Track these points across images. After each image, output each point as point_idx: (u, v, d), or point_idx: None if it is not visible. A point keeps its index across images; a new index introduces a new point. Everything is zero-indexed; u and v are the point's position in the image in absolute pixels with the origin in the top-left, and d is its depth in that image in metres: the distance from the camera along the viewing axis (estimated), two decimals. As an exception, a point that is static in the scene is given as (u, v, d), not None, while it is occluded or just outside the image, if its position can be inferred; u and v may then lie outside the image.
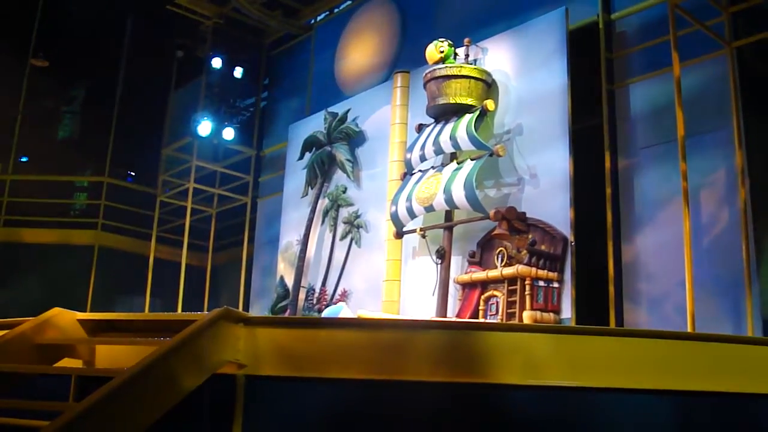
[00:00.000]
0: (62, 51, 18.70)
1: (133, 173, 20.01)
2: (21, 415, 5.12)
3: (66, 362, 5.55)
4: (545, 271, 9.58)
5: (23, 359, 5.37)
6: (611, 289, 9.71)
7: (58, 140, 20.42)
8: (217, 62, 17.07)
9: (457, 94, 10.84)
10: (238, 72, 17.37)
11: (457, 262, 10.84)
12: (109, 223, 18.11)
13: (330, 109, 14.14)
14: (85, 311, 6.03)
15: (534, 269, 9.51)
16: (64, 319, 5.74)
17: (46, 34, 18.82)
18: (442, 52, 11.06)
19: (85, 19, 16.99)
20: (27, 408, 5.09)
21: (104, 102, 19.19)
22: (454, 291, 10.62)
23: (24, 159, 19.23)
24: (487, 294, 10.06)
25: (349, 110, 13.75)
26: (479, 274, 10.21)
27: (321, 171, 13.95)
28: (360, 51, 14.74)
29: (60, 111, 20.91)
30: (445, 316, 10.30)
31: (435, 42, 11.14)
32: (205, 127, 16.53)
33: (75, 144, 20.01)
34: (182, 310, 15.58)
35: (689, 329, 8.22)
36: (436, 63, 11.09)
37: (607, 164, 10.13)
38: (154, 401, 4.40)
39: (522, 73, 10.89)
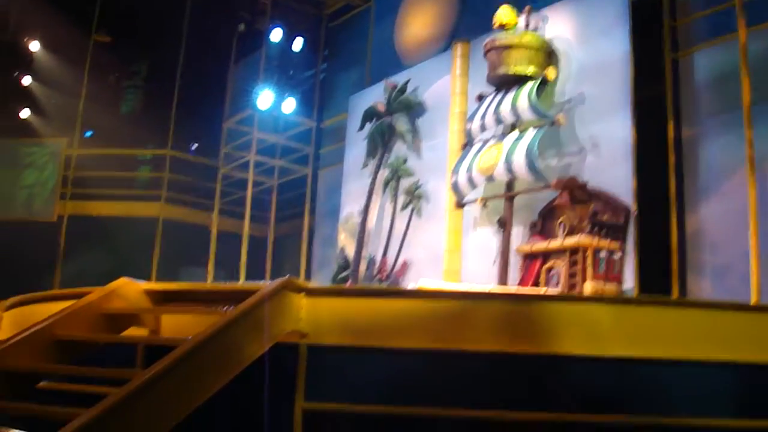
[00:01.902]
0: (124, 26, 18.90)
1: (195, 146, 20.20)
2: (90, 382, 5.24)
3: (132, 331, 5.65)
4: (607, 241, 9.49)
5: (91, 328, 5.48)
6: (674, 259, 9.59)
7: (121, 115, 20.66)
8: (276, 34, 17.11)
9: (518, 63, 10.75)
10: (297, 44, 17.38)
11: (518, 233, 10.79)
12: (172, 195, 18.33)
13: (390, 80, 14.10)
14: (150, 282, 6.12)
15: (596, 239, 9.43)
16: (130, 289, 5.84)
17: (109, 10, 19.02)
18: (508, 19, 10.94)
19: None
20: (96, 375, 5.20)
21: (166, 76, 19.35)
22: (515, 261, 10.58)
23: (89, 133, 19.50)
24: (548, 264, 10.00)
25: (408, 80, 13.70)
26: (540, 245, 10.15)
27: (381, 142, 13.94)
28: (419, 20, 14.65)
29: (123, 86, 21.14)
30: (506, 287, 10.27)
31: (508, 6, 11.00)
32: (265, 100, 16.61)
33: (138, 118, 20.22)
34: (244, 281, 15.73)
35: (753, 300, 8.10)
36: (499, 30, 10.98)
37: (671, 133, 9.98)
38: (218, 369, 4.47)
39: (583, 41, 10.75)
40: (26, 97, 18.71)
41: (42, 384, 5.34)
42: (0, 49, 18.79)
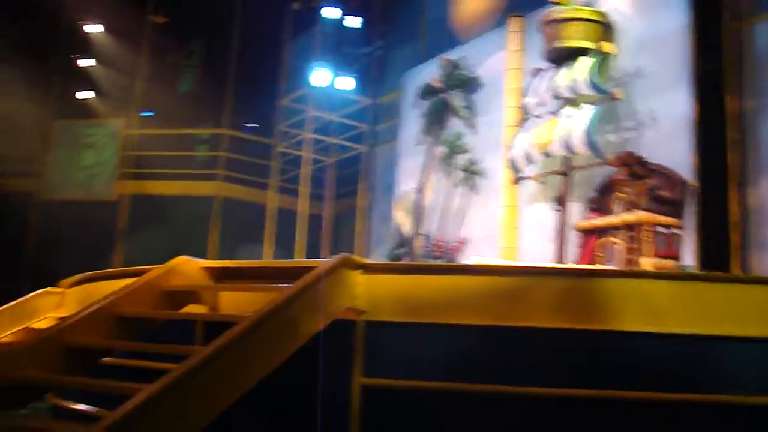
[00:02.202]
0: (180, 6, 19.02)
1: (252, 124, 20.30)
2: (150, 358, 5.33)
3: (191, 308, 5.72)
4: (666, 217, 9.39)
5: (151, 305, 5.56)
6: (735, 235, 9.43)
7: (179, 94, 20.82)
8: (331, 12, 17.09)
9: (574, 37, 10.64)
10: (352, 21, 17.35)
11: (575, 208, 10.71)
12: (229, 174, 18.47)
13: (445, 56, 14.04)
14: (208, 260, 6.18)
15: (655, 215, 9.34)
16: (189, 267, 5.90)
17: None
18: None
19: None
20: (157, 351, 5.28)
21: (222, 55, 19.48)
22: (572, 238, 10.51)
23: (147, 113, 19.70)
24: (606, 240, 9.92)
25: (464, 56, 13.65)
26: (598, 221, 10.08)
27: (437, 118, 13.92)
28: (474, -4, 14.57)
29: (180, 65, 21.30)
30: (563, 263, 10.22)
31: None
32: (320, 77, 16.63)
33: (195, 97, 20.35)
34: (302, 258, 15.83)
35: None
36: (555, 4, 10.87)
37: (732, 107, 9.79)
38: (277, 345, 4.51)
39: (641, 13, 10.60)
40: (85, 79, 18.93)
41: (105, 360, 5.44)
42: (58, 33, 19.06)
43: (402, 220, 14.49)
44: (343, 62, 17.29)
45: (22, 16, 18.56)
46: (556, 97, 10.86)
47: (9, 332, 8.52)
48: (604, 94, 10.17)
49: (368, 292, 5.06)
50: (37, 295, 8.74)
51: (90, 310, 5.29)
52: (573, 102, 10.70)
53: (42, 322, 8.52)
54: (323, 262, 4.96)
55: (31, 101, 18.74)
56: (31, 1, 18.06)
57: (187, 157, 19.49)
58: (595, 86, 10.24)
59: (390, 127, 16.24)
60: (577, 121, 10.27)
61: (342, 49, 17.47)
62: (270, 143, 18.46)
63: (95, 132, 19.03)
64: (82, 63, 18.92)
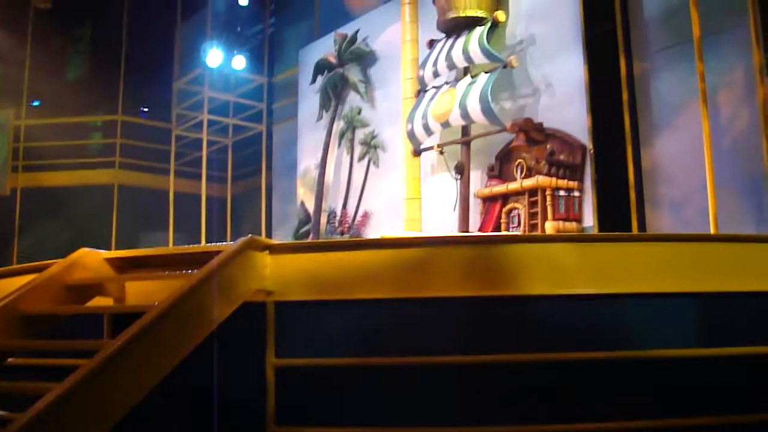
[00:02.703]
0: (64, -10, 18.57)
1: (146, 109, 19.97)
2: (59, 356, 5.21)
3: (97, 301, 5.60)
4: (565, 180, 9.57)
5: (55, 301, 5.42)
6: (632, 195, 9.67)
7: (68, 81, 20.32)
8: (222, -10, 16.92)
9: (467, 6, 10.73)
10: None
11: (476, 177, 10.84)
12: (126, 160, 18.16)
13: (339, 31, 14.00)
14: (110, 250, 6.07)
15: (554, 179, 9.51)
16: (92, 258, 5.77)
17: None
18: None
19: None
20: (64, 348, 5.17)
21: (111, 39, 19.06)
22: (475, 206, 10.63)
23: (36, 103, 19.19)
24: (508, 207, 10.07)
25: (358, 30, 13.64)
26: (499, 188, 10.21)
27: (334, 93, 13.90)
28: (365, -31, 14.54)
29: (68, 52, 20.77)
30: (468, 231, 10.33)
31: None
32: (214, 57, 16.45)
33: (86, 84, 19.89)
34: (206, 242, 15.68)
35: (712, 231, 8.21)
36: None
37: (623, 69, 10.00)
38: (187, 333, 4.46)
39: (531, -20, 10.73)
40: (-32, 70, 18.37)
41: (10, 360, 5.29)
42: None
43: (305, 197, 14.47)
44: (236, 41, 17.14)
45: None
46: (452, 67, 10.94)
47: None
48: (499, 62, 10.28)
49: (276, 273, 5.03)
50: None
51: (-10, 310, 5.14)
52: (469, 72, 10.79)
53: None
54: (229, 246, 4.92)
55: None
56: None
57: (82, 145, 19.07)
58: (489, 55, 10.34)
59: (288, 104, 16.16)
60: (473, 91, 10.36)
61: (235, 28, 17.31)
62: (167, 127, 18.18)
63: (-18, 125, 18.46)
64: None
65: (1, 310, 5.10)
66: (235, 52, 16.90)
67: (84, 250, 5.76)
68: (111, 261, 5.80)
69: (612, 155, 9.83)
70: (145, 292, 5.45)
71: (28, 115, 18.57)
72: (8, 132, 18.15)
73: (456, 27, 10.94)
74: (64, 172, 18.02)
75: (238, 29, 17.44)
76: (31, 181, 17.89)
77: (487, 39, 10.43)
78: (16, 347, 5.27)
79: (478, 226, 10.44)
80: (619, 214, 9.66)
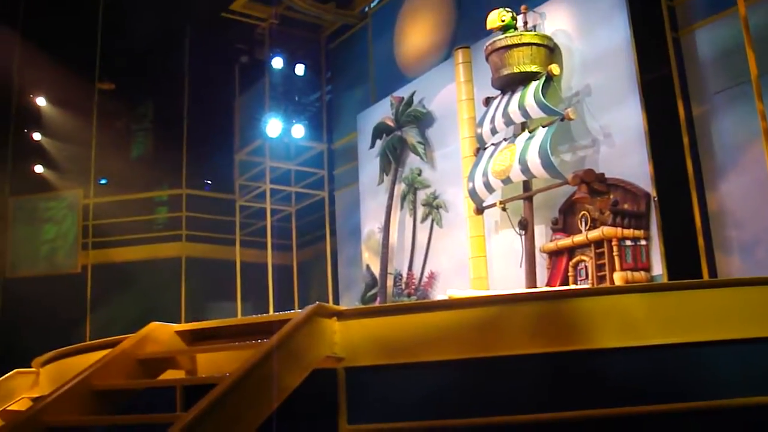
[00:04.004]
0: (126, 72, 19.04)
1: (209, 181, 20.28)
2: (132, 430, 5.24)
3: (169, 374, 5.65)
4: (631, 229, 9.47)
5: (127, 376, 5.49)
6: (700, 240, 9.52)
7: (133, 159, 20.77)
8: (277, 62, 17.18)
9: (521, 62, 10.74)
10: (299, 69, 17.44)
11: (540, 231, 10.76)
12: (192, 233, 18.41)
13: (395, 94, 14.12)
14: (179, 322, 6.13)
15: (619, 229, 9.41)
16: (162, 332, 5.84)
17: (109, 57, 19.16)
18: (503, 20, 10.92)
19: (144, 38, 17.21)
20: (137, 422, 5.20)
21: (173, 116, 19.47)
22: (541, 261, 10.55)
23: (103, 181, 19.61)
24: (575, 259, 9.98)
25: (414, 93, 13.73)
26: (565, 241, 10.13)
27: (394, 156, 13.96)
28: (417, 32, 14.67)
29: (132, 130, 21.27)
30: (535, 287, 10.24)
31: (497, 11, 10.99)
32: (274, 128, 16.68)
33: (150, 160, 20.34)
34: (274, 311, 15.74)
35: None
36: (498, 32, 10.98)
37: (681, 113, 9.92)
38: (259, 403, 4.46)
39: (583, 32, 10.74)
40: (38, 153, 18.85)
41: (86, 437, 5.35)
42: (8, 108, 18.97)
43: (371, 261, 14.48)
44: (295, 111, 17.38)
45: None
46: (510, 123, 10.94)
47: (-16, 418, 8.37)
48: (557, 116, 10.26)
49: (345, 339, 5.03)
50: (9, 377, 8.59)
51: (65, 387, 5.21)
52: (526, 127, 10.78)
53: (17, 404, 8.38)
54: (297, 314, 4.93)
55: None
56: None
57: (148, 220, 19.39)
58: (546, 108, 10.33)
59: (348, 170, 16.26)
60: (532, 145, 10.34)
61: (292, 97, 17.55)
62: (230, 198, 18.41)
63: (53, 205, 18.90)
64: (34, 137, 18.85)
65: (76, 387, 5.17)
66: (294, 121, 17.12)
67: (154, 324, 5.83)
68: (181, 333, 5.86)
69: (677, 201, 9.70)
70: (216, 363, 5.48)
71: (96, 194, 18.95)
72: (78, 211, 18.57)
73: (511, 83, 10.96)
74: (132, 247, 18.33)
75: (296, 98, 17.69)
76: (100, 258, 18.23)
77: (542, 93, 10.43)
78: (90, 423, 5.32)
79: (545, 281, 10.35)
80: (688, 260, 9.50)
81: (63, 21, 17.87)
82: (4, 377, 8.62)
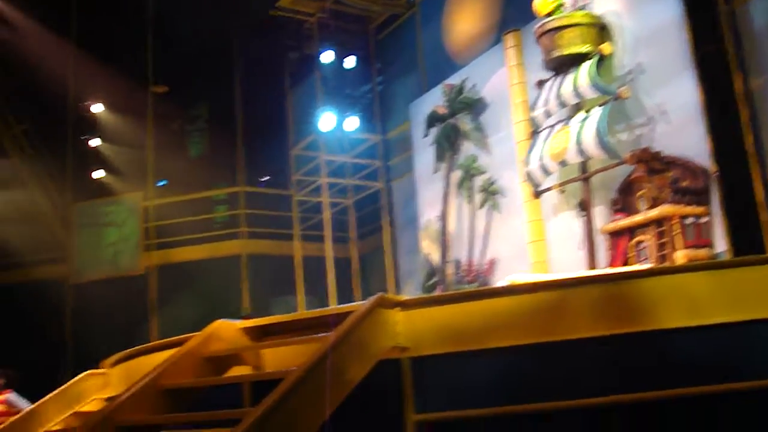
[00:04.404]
0: (179, 74, 19.23)
1: (266, 178, 20.43)
2: (202, 427, 5.31)
3: (235, 371, 5.71)
4: (691, 206, 9.34)
5: (195, 374, 5.56)
6: (763, 214, 9.36)
7: (190, 159, 21.00)
8: (327, 56, 17.20)
9: (571, 43, 10.66)
10: (349, 62, 17.45)
11: (599, 212, 10.69)
12: (251, 230, 18.54)
13: (447, 82, 14.09)
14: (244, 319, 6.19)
15: (680, 207, 9.30)
16: (227, 329, 5.91)
17: (161, 61, 19.40)
18: (552, 1, 10.84)
19: (195, 40, 17.37)
20: (207, 419, 5.27)
21: (227, 115, 19.66)
22: (601, 242, 10.47)
23: (161, 183, 19.86)
24: (635, 240, 9.88)
25: (465, 79, 13.70)
26: (624, 221, 10.03)
27: (448, 144, 13.95)
28: (466, 18, 14.61)
29: (187, 131, 21.51)
30: (596, 269, 10.17)
31: None
32: (327, 122, 16.72)
33: (207, 160, 20.56)
34: (336, 304, 15.81)
35: None
36: (546, 15, 10.90)
37: (739, 87, 9.75)
38: (325, 396, 4.49)
39: (634, 9, 10.61)
40: (97, 159, 19.16)
41: (159, 435, 5.44)
42: (65, 117, 19.32)
43: (430, 249, 14.48)
44: (347, 103, 17.38)
45: (31, 104, 18.87)
46: (563, 105, 10.86)
47: (58, 419, 8.53)
48: (610, 95, 10.17)
49: (408, 329, 5.04)
50: (80, 378, 8.76)
51: (135, 387, 5.29)
52: (581, 107, 10.70)
53: (89, 405, 8.54)
54: (359, 306, 4.96)
55: (48, 188, 19.03)
56: (37, 90, 18.30)
57: (208, 219, 19.58)
58: (599, 88, 10.24)
59: (403, 159, 16.27)
60: (587, 126, 10.26)
61: (344, 90, 17.56)
62: (287, 194, 18.52)
63: (114, 209, 19.19)
64: (92, 143, 19.16)
65: (145, 388, 5.25)
66: (347, 113, 17.13)
67: (219, 322, 5.89)
68: (246, 330, 5.92)
69: (737, 175, 9.53)
70: (281, 358, 5.53)
71: (156, 196, 19.21)
72: (138, 213, 18.82)
73: (563, 65, 10.88)
74: (193, 247, 18.53)
75: (348, 91, 17.70)
76: (162, 259, 18.48)
77: (595, 73, 10.33)
78: (161, 422, 5.40)
79: (606, 262, 10.26)
80: (752, 235, 9.33)
81: (115, 28, 18.14)
82: (75, 379, 8.79)
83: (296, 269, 17.49)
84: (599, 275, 7.46)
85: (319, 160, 17.06)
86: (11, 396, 11.62)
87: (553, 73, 11.17)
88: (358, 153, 17.76)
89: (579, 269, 10.36)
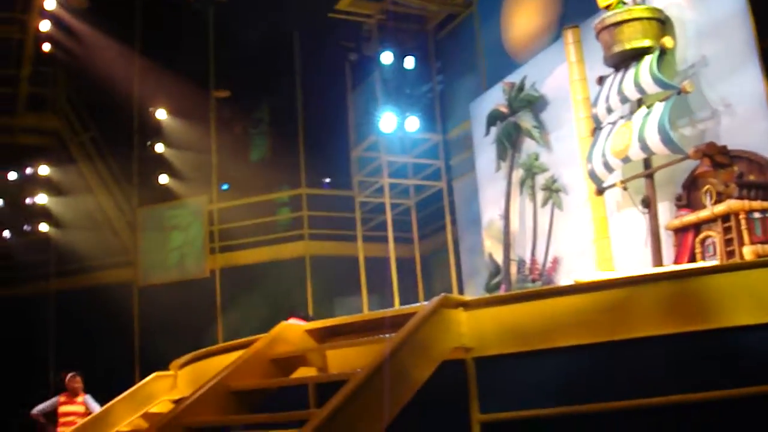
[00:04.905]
0: (240, 78, 19.45)
1: (328, 180, 20.54)
2: (268, 428, 5.37)
3: (301, 372, 5.77)
4: (759, 201, 9.18)
5: (261, 375, 5.63)
6: (835, 207, 9.18)
7: (252, 162, 21.21)
8: (386, 57, 17.22)
9: (632, 38, 10.54)
10: (409, 62, 17.46)
11: (664, 209, 10.55)
12: (314, 231, 18.65)
13: (507, 80, 14.04)
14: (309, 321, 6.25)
15: (746, 202, 9.14)
16: (293, 331, 5.98)
17: (222, 66, 19.64)
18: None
19: (255, 44, 17.55)
20: (274, 420, 5.32)
21: (288, 118, 19.82)
22: (666, 238, 10.34)
23: (225, 186, 20.08)
24: (701, 236, 9.73)
25: (525, 77, 13.63)
26: (690, 217, 9.89)
27: (510, 142, 13.89)
28: (524, 15, 14.55)
29: (249, 135, 21.72)
30: (662, 266, 10.05)
31: None
32: (388, 122, 16.74)
33: (269, 163, 20.74)
34: (399, 304, 15.85)
35: None
36: (606, 9, 10.80)
37: (805, 79, 9.57)
38: (391, 397, 4.52)
39: (696, 2, 10.46)
40: (161, 164, 19.44)
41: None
42: (131, 123, 19.68)
43: (493, 249, 14.43)
44: (407, 104, 17.39)
45: (97, 112, 19.26)
46: (625, 101, 10.75)
47: (128, 420, 8.70)
48: (673, 89, 10.04)
49: (472, 329, 5.05)
50: (149, 380, 8.91)
51: (203, 389, 5.38)
52: (643, 103, 10.58)
53: (158, 407, 8.69)
54: (423, 306, 4.98)
55: (114, 193, 19.38)
56: (103, 99, 18.67)
57: (271, 222, 19.73)
58: (661, 83, 10.12)
59: (465, 159, 16.25)
60: (650, 122, 10.14)
61: (404, 91, 17.57)
62: (349, 195, 18.60)
63: (178, 213, 19.46)
64: (157, 148, 19.45)
65: (213, 389, 5.33)
66: (407, 114, 17.14)
67: (284, 324, 5.96)
68: (311, 331, 5.98)
69: (806, 169, 9.37)
70: (346, 359, 5.57)
71: (219, 199, 19.44)
72: (203, 217, 19.06)
73: (623, 60, 10.76)
74: (257, 249, 18.73)
75: (408, 91, 17.71)
76: (227, 261, 18.70)
77: (657, 67, 10.21)
78: (229, 423, 5.48)
79: (672, 259, 10.14)
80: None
81: (177, 35, 18.40)
82: (144, 381, 8.95)
83: (359, 270, 17.57)
84: (665, 272, 7.37)
85: (381, 160, 17.12)
86: (88, 397, 11.95)
87: (614, 68, 11.06)
88: (419, 153, 17.79)
89: (644, 267, 10.24)
